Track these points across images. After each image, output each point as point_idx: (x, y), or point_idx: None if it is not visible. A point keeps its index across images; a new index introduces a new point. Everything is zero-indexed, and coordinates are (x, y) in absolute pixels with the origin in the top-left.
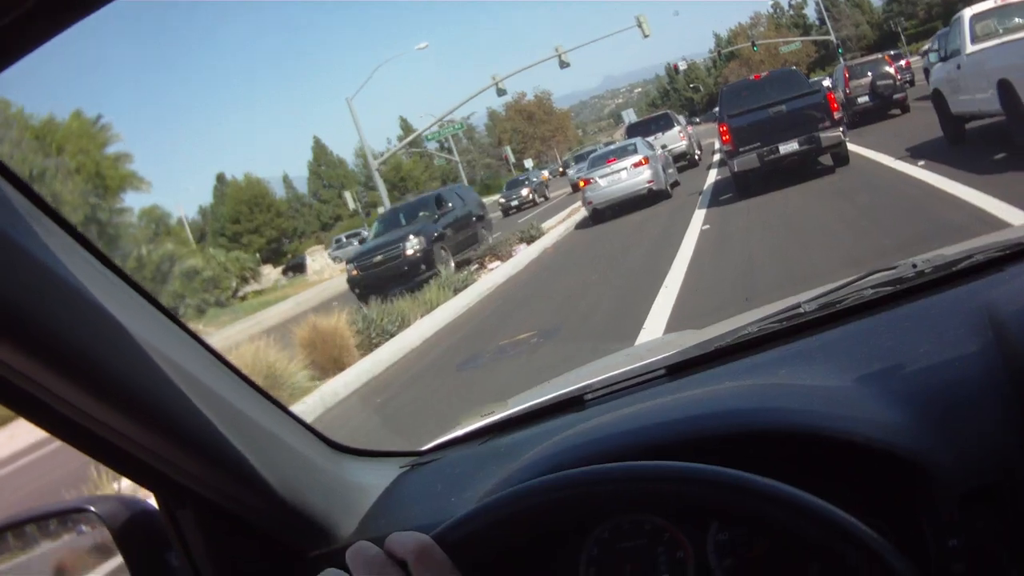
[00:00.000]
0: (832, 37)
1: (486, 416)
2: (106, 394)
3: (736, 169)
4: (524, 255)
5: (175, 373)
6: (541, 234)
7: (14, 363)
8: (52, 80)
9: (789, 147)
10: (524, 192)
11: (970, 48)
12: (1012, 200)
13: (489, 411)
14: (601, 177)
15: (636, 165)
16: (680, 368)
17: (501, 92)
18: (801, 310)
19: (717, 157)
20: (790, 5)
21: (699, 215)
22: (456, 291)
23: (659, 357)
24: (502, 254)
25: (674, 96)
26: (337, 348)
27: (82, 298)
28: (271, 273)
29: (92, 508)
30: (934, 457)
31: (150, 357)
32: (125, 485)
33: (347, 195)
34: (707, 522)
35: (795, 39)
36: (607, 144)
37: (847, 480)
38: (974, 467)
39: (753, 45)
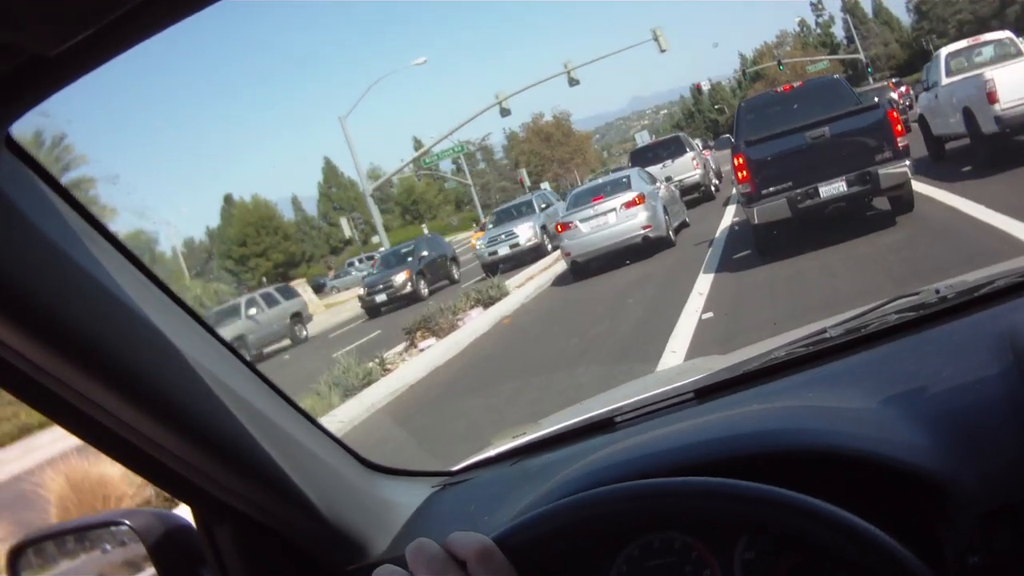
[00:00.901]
0: (861, 56)
1: (517, 437)
2: (148, 407)
3: (757, 220)
4: (471, 328)
5: (215, 387)
6: (503, 294)
7: (56, 371)
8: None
9: (834, 189)
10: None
11: (944, 81)
12: (974, 199)
13: (520, 432)
14: (583, 221)
15: (628, 205)
16: (709, 391)
17: (505, 112)
18: (827, 335)
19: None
20: (817, 24)
21: (703, 283)
22: (346, 395)
23: (688, 380)
24: (441, 326)
25: (698, 118)
26: None
27: (128, 312)
28: None
29: (127, 521)
30: (956, 477)
31: (193, 371)
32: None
33: (343, 221)
34: (735, 542)
35: (822, 58)
36: (606, 173)
37: (869, 499)
38: (996, 487)
39: (779, 64)
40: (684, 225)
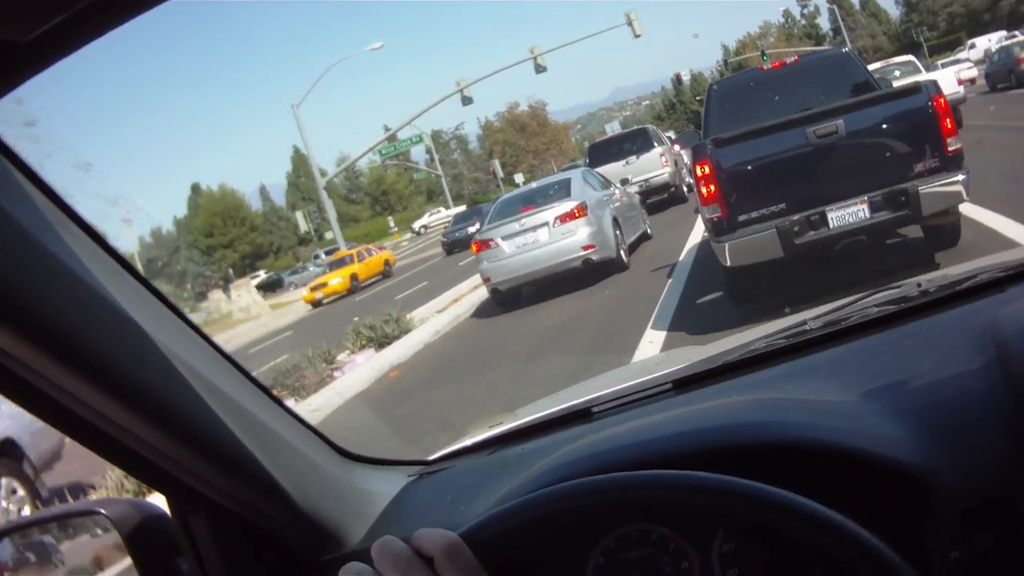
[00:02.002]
0: (847, 48)
1: (494, 427)
2: (120, 395)
3: (730, 261)
4: (346, 383)
5: (189, 376)
6: (405, 330)
7: (29, 360)
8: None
9: (850, 215)
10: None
11: None
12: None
13: (497, 422)
14: (506, 238)
15: (565, 218)
16: (687, 382)
17: (467, 100)
18: (807, 327)
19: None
20: (803, 14)
21: (649, 346)
22: None
23: (667, 371)
24: (305, 382)
25: (680, 109)
26: None
27: (97, 298)
28: (222, 299)
29: (103, 511)
30: (937, 471)
31: (164, 358)
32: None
33: (298, 215)
34: (713, 533)
35: (808, 49)
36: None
37: (849, 493)
38: (977, 482)
39: (763, 55)
40: (644, 237)
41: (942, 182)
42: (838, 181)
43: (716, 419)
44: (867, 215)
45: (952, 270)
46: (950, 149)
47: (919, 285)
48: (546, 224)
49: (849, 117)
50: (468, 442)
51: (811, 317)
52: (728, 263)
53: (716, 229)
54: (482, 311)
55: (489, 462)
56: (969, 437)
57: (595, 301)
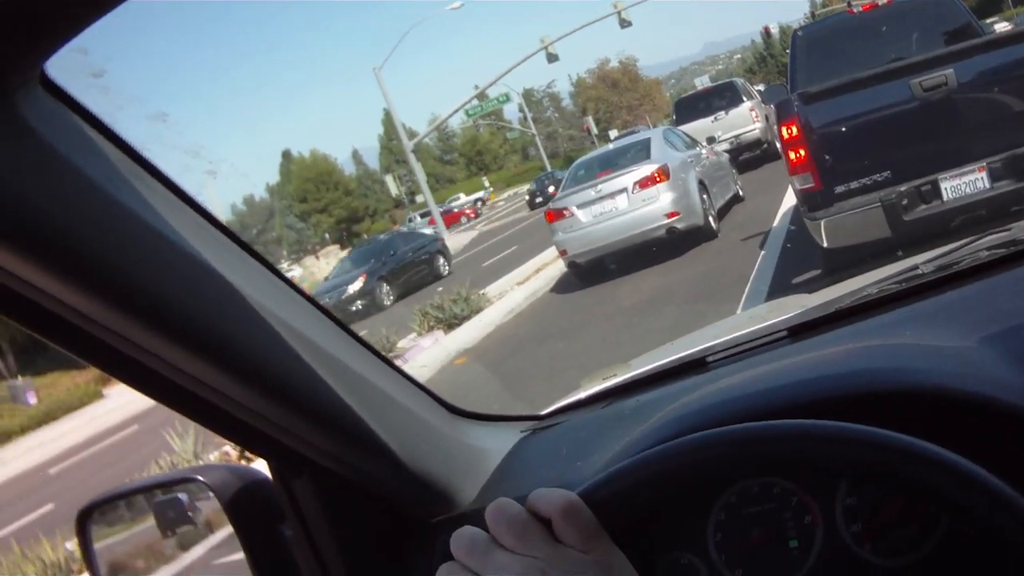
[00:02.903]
0: None
1: (608, 379)
2: (215, 357)
3: (827, 242)
4: (408, 371)
5: (289, 335)
6: (476, 309)
7: (114, 325)
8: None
9: (966, 184)
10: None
11: None
12: None
13: (611, 373)
14: (582, 207)
15: (645, 183)
16: (802, 329)
17: (552, 57)
18: (919, 271)
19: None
20: None
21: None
22: None
23: (781, 318)
24: None
25: (770, 62)
26: None
27: (188, 257)
28: (315, 265)
29: (201, 478)
30: None
31: (259, 316)
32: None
33: (388, 179)
34: (836, 486)
35: None
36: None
37: (970, 442)
38: None
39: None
40: (736, 200)
41: None
42: (950, 143)
43: (834, 367)
44: (986, 185)
45: None
46: None
47: None
48: (624, 190)
49: (960, 66)
50: (582, 395)
51: (922, 261)
52: (825, 244)
53: (809, 203)
54: (561, 285)
55: (604, 415)
56: None
57: (681, 277)
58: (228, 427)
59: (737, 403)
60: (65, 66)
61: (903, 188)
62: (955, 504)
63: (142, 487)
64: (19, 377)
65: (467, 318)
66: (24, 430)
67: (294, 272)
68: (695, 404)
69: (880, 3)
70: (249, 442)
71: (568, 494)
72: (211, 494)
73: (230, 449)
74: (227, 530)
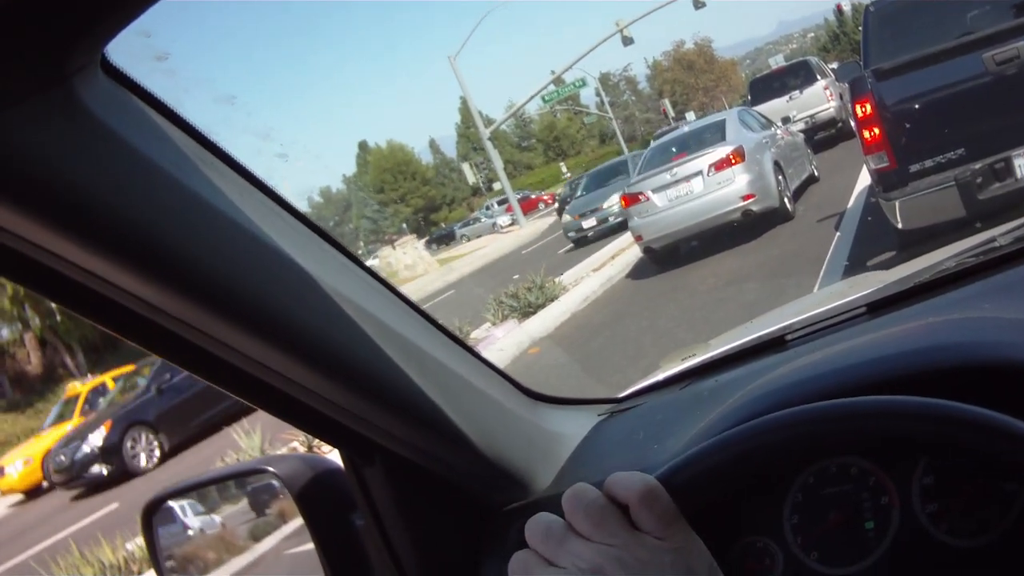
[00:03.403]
0: None
1: (686, 359)
2: (290, 347)
3: (902, 223)
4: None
5: (365, 321)
6: (551, 297)
7: (183, 314)
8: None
9: None
10: None
11: None
12: None
13: (690, 354)
14: (657, 191)
15: (721, 165)
16: (880, 305)
17: (628, 41)
18: (997, 243)
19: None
20: None
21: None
22: None
23: (858, 295)
24: None
25: (844, 40)
26: None
27: (260, 243)
28: (392, 255)
29: (271, 468)
30: None
31: (335, 304)
32: None
33: (465, 167)
34: (914, 465)
35: None
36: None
37: None
38: None
39: None
40: (811, 180)
41: None
42: (1022, 119)
43: (915, 342)
44: None
45: None
46: None
47: None
48: (700, 173)
49: None
50: (660, 377)
51: (999, 233)
52: (900, 225)
53: (884, 182)
54: (636, 271)
55: (681, 397)
56: None
57: (756, 260)
58: (300, 416)
59: (816, 382)
60: (128, 50)
61: (977, 166)
62: None
63: (213, 479)
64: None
65: (542, 306)
66: None
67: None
68: (773, 384)
69: None
70: (321, 431)
71: (646, 478)
72: (283, 484)
73: (298, 445)
74: (298, 520)
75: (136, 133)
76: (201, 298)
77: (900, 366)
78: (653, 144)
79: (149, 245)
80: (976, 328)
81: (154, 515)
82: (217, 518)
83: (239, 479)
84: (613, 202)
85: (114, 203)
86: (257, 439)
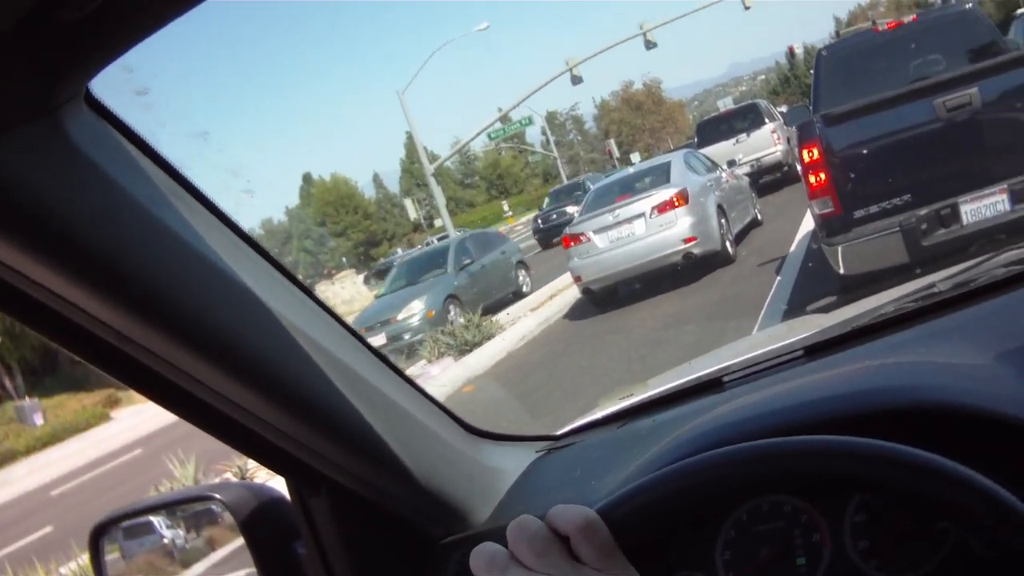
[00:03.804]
0: (971, 4)
1: (624, 399)
2: (242, 374)
3: (844, 268)
4: None
5: (313, 352)
6: (488, 335)
7: (144, 340)
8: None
9: (986, 207)
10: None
11: None
12: None
13: (627, 393)
14: (599, 232)
15: (664, 208)
16: (818, 348)
17: (576, 80)
18: (935, 289)
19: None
20: None
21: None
22: None
23: (797, 338)
24: None
25: (794, 83)
26: None
27: (221, 275)
28: (330, 290)
29: (218, 495)
30: None
31: (289, 336)
32: None
33: (407, 202)
34: (845, 504)
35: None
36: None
37: (986, 459)
38: None
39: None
40: (754, 224)
41: None
42: (971, 165)
43: (850, 384)
44: (1007, 207)
45: None
46: None
47: None
48: (643, 215)
49: (985, 84)
50: (598, 415)
51: (939, 279)
52: (842, 270)
53: (827, 227)
54: (575, 312)
55: (619, 435)
56: None
57: (696, 303)
58: (249, 444)
59: (753, 422)
60: (110, 84)
61: (922, 212)
62: (969, 520)
63: (158, 504)
64: (27, 398)
65: (479, 344)
66: (29, 451)
67: None
68: (711, 423)
69: (905, 21)
70: (269, 459)
71: (586, 511)
72: (227, 511)
73: (231, 476)
74: (227, 548)
75: (113, 165)
76: (162, 325)
77: (835, 408)
78: (597, 185)
79: (117, 273)
80: (911, 372)
81: (101, 538)
82: (181, 532)
83: (183, 505)
84: (415, 311)
85: (88, 232)
86: (191, 468)
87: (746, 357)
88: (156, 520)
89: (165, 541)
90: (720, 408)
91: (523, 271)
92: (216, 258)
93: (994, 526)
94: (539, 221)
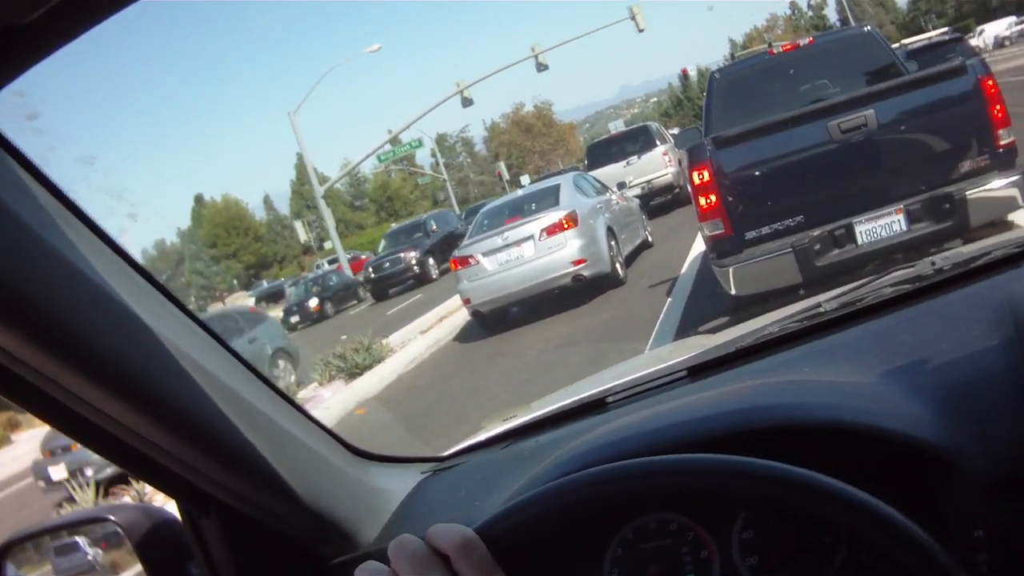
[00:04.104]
0: (869, 27)
1: (508, 420)
2: (128, 396)
3: (735, 289)
4: None
5: (199, 376)
6: (378, 359)
7: (33, 362)
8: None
9: (882, 227)
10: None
11: None
12: None
13: (511, 415)
14: (488, 254)
15: (553, 230)
16: (702, 369)
17: (467, 102)
18: (821, 309)
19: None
20: (809, 6)
21: None
22: None
23: (680, 359)
24: None
25: (687, 105)
26: None
27: (102, 295)
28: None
29: (112, 517)
30: (960, 449)
31: (174, 359)
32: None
33: (297, 225)
34: (732, 520)
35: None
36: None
37: (870, 474)
38: (999, 458)
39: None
40: (644, 246)
41: (993, 184)
42: (867, 186)
43: (731, 403)
44: (903, 227)
45: (966, 248)
46: (1002, 143)
47: (933, 264)
48: (531, 237)
49: (879, 106)
50: (482, 437)
51: (825, 299)
52: (733, 291)
53: (718, 249)
54: (465, 334)
55: (503, 456)
56: (990, 413)
57: (586, 325)
58: (137, 464)
59: (633, 440)
60: (2, 108)
61: (816, 233)
62: (850, 535)
63: (57, 525)
64: None
65: (369, 367)
66: None
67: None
68: (591, 442)
69: (801, 44)
70: (159, 481)
71: (464, 530)
72: (123, 533)
73: (128, 500)
74: (133, 571)
75: (3, 190)
76: (51, 347)
77: (713, 427)
78: (485, 207)
79: (4, 295)
80: (793, 390)
81: (3, 560)
82: (100, 551)
83: (80, 527)
84: None
85: None
86: (91, 493)
87: (630, 378)
88: (81, 540)
89: (89, 558)
90: (602, 428)
91: (285, 361)
92: (100, 279)
93: (872, 539)
94: (370, 269)
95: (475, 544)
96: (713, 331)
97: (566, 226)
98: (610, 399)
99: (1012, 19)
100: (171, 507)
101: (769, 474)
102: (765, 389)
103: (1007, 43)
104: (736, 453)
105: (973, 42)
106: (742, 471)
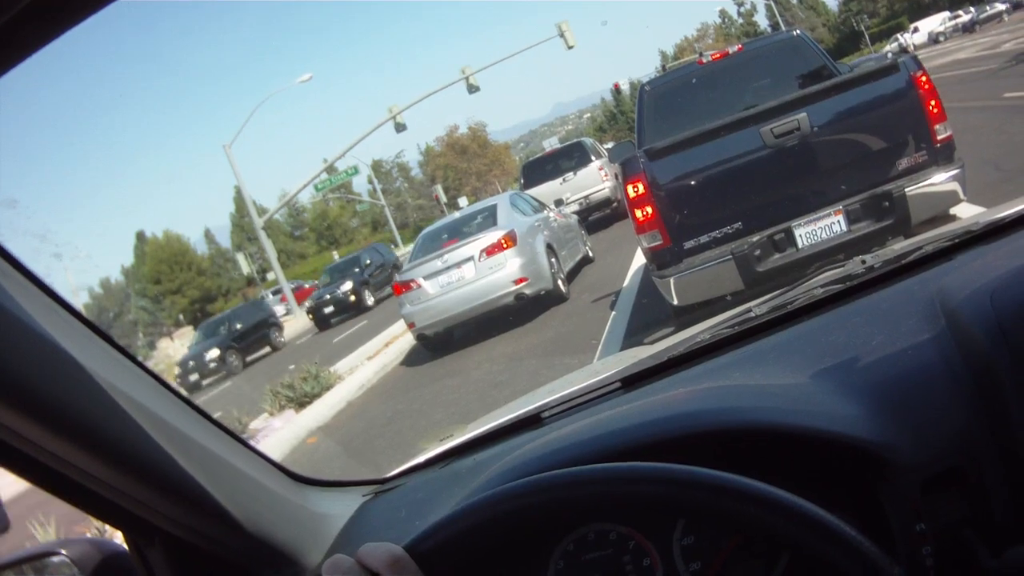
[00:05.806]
0: (799, 31)
1: (445, 440)
2: (64, 430)
3: (677, 300)
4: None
5: (136, 411)
6: (327, 387)
7: None
8: None
9: (822, 230)
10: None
11: None
12: None
13: (448, 435)
14: (428, 277)
15: (492, 250)
16: (635, 379)
17: (400, 127)
18: (752, 314)
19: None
20: (740, 13)
21: None
22: None
23: (614, 371)
24: None
25: (621, 119)
26: None
27: (38, 336)
28: (170, 347)
29: (63, 552)
30: (894, 446)
31: (111, 396)
32: None
33: (239, 257)
34: (672, 528)
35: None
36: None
37: (808, 475)
38: (935, 452)
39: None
40: (585, 261)
41: (933, 179)
42: (805, 189)
43: (661, 411)
44: (844, 228)
45: (897, 244)
46: (939, 138)
47: (864, 262)
48: (471, 259)
49: (812, 109)
50: (421, 458)
51: (756, 304)
52: (676, 301)
53: (657, 260)
54: (411, 358)
55: (442, 475)
56: (923, 408)
57: (531, 342)
58: (79, 497)
59: (566, 452)
60: None
61: (755, 239)
62: (786, 539)
63: (6, 563)
64: None
65: (318, 396)
66: None
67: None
68: (524, 457)
69: (730, 51)
70: (103, 513)
71: (393, 548)
72: (74, 567)
73: (90, 536)
74: None
75: None
76: None
77: (645, 434)
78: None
79: None
80: (720, 396)
81: None
82: None
83: (31, 562)
84: None
85: None
86: (52, 531)
87: (564, 393)
88: None
89: None
90: (536, 442)
91: None
92: (29, 319)
93: (799, 538)
94: (312, 302)
95: (405, 562)
96: (657, 341)
97: (505, 245)
98: (545, 414)
99: (946, 15)
100: (120, 539)
101: (692, 479)
102: (693, 396)
103: (941, 39)
104: (666, 460)
105: (907, 39)
106: (665, 477)
